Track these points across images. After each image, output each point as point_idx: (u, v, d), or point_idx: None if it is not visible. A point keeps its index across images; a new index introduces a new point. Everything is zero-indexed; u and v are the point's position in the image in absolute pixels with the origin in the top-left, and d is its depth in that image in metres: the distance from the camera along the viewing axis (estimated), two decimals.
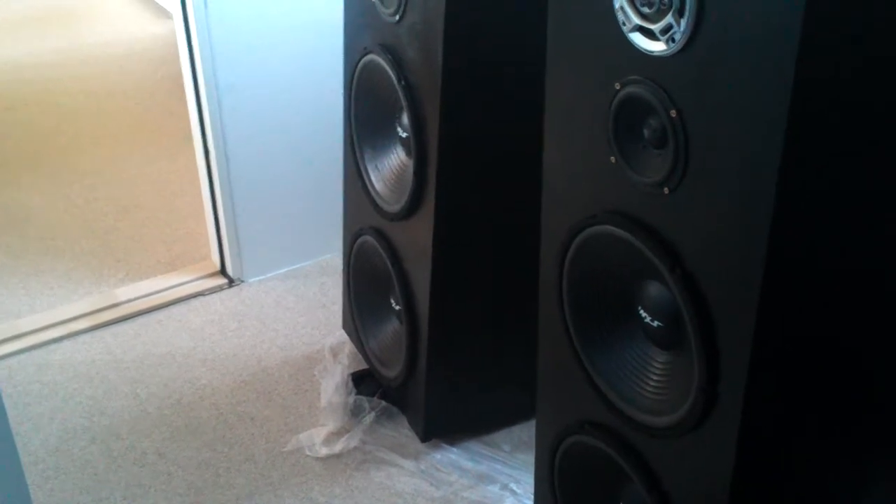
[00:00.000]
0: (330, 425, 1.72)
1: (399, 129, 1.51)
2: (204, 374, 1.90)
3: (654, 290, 1.11)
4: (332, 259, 2.18)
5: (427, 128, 1.38)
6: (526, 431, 1.67)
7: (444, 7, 1.25)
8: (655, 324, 1.12)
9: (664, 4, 0.91)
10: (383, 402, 1.73)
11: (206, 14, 1.82)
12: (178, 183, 2.56)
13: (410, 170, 1.45)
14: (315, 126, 2.03)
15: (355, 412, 1.73)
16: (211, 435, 1.75)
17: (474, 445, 1.68)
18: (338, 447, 1.68)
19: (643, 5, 0.94)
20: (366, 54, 1.48)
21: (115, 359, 1.95)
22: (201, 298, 2.13)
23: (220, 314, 2.08)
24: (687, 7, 0.89)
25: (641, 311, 1.14)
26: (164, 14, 3.58)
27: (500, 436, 1.70)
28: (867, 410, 1.18)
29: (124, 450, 1.72)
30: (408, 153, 1.49)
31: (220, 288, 2.16)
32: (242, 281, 2.18)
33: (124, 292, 2.13)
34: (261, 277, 2.18)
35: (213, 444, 1.73)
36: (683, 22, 0.90)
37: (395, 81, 1.40)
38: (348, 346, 1.90)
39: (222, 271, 2.19)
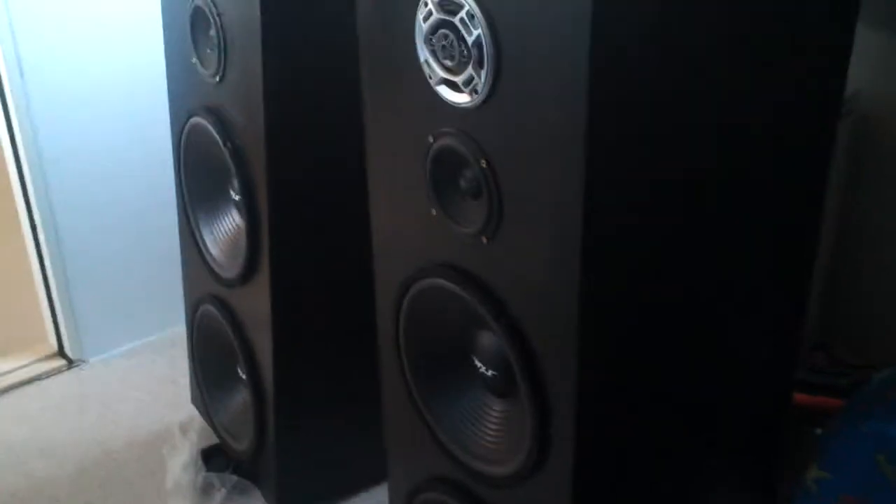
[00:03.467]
0: None
1: (232, 193, 1.48)
2: (41, 464, 1.77)
3: (486, 339, 1.12)
4: (181, 330, 2.08)
5: (257, 189, 1.35)
6: (384, 494, 1.63)
7: (261, 66, 1.23)
8: (490, 373, 1.12)
9: (464, 57, 0.93)
10: (235, 478, 1.66)
11: (23, 83, 1.74)
12: (10, 264, 2.41)
13: (245, 233, 1.41)
14: (150, 192, 1.96)
15: (205, 490, 1.64)
16: None
17: None
18: None
19: (445, 58, 0.96)
20: (191, 117, 1.45)
21: None
22: (38, 383, 2.00)
23: (59, 398, 1.96)
24: (485, 59, 0.91)
25: (476, 361, 1.14)
26: None
27: (358, 501, 1.65)
28: (699, 441, 1.21)
29: None
30: (242, 216, 1.45)
31: (58, 370, 2.04)
32: (83, 361, 2.06)
33: None
34: (104, 356, 2.07)
35: None
36: (483, 73, 0.92)
37: (220, 144, 1.37)
38: (198, 422, 1.81)
39: (60, 352, 2.07)
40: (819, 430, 1.47)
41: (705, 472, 1.25)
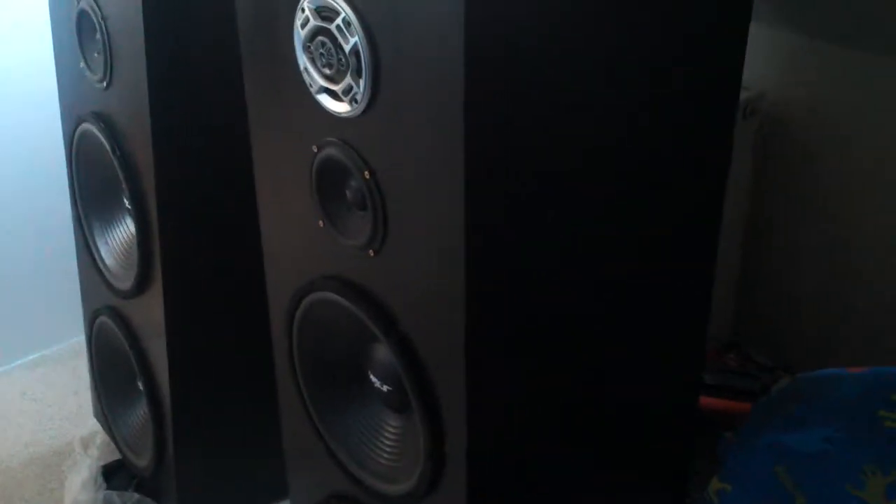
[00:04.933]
0: None
1: (126, 201, 1.42)
2: None
3: (380, 353, 1.09)
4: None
5: (147, 198, 1.30)
6: None
7: (145, 71, 1.18)
8: (385, 388, 1.09)
9: (343, 65, 0.89)
10: (137, 495, 1.60)
11: None
12: None
13: (136, 243, 1.36)
14: (48, 199, 1.88)
15: None
16: None
17: None
18: None
19: (324, 66, 0.92)
20: (81, 123, 1.39)
21: None
22: None
23: None
24: (364, 67, 0.88)
25: (372, 376, 1.11)
26: None
27: None
28: (602, 452, 1.20)
29: None
30: (134, 226, 1.40)
31: None
32: None
33: None
34: (4, 368, 1.99)
35: None
36: (362, 82, 0.88)
37: (109, 151, 1.32)
38: (100, 436, 1.75)
39: None
40: (728, 435, 1.47)
41: (611, 484, 1.24)
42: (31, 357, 2.03)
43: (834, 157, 1.62)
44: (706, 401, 1.57)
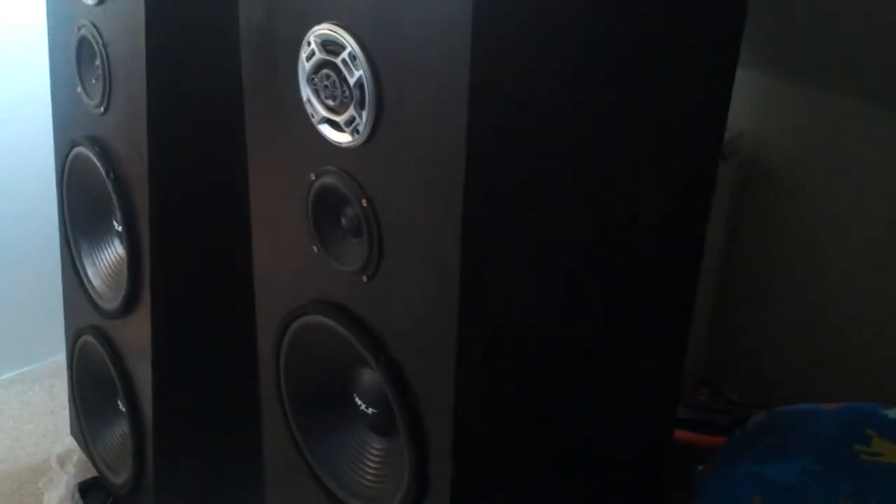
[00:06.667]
0: None
1: (115, 223, 1.44)
2: None
3: (367, 377, 1.11)
4: (61, 360, 2.00)
5: (139, 220, 1.32)
6: None
7: (145, 99, 1.21)
8: (370, 411, 1.12)
9: (346, 97, 0.93)
10: None
11: None
12: None
13: (126, 265, 1.38)
14: (30, 219, 1.90)
15: None
16: None
17: None
18: None
19: (328, 98, 0.95)
20: (74, 147, 1.41)
21: None
22: None
23: None
24: (367, 100, 0.91)
25: (357, 399, 1.13)
26: None
27: None
28: (580, 481, 1.22)
29: None
30: (124, 247, 1.42)
31: None
32: None
33: None
34: None
35: None
36: (365, 114, 0.92)
37: (103, 174, 1.34)
38: (77, 454, 1.75)
39: None
40: (700, 468, 1.50)
41: None
42: (7, 375, 2.02)
43: (810, 198, 1.67)
44: (677, 433, 1.60)
